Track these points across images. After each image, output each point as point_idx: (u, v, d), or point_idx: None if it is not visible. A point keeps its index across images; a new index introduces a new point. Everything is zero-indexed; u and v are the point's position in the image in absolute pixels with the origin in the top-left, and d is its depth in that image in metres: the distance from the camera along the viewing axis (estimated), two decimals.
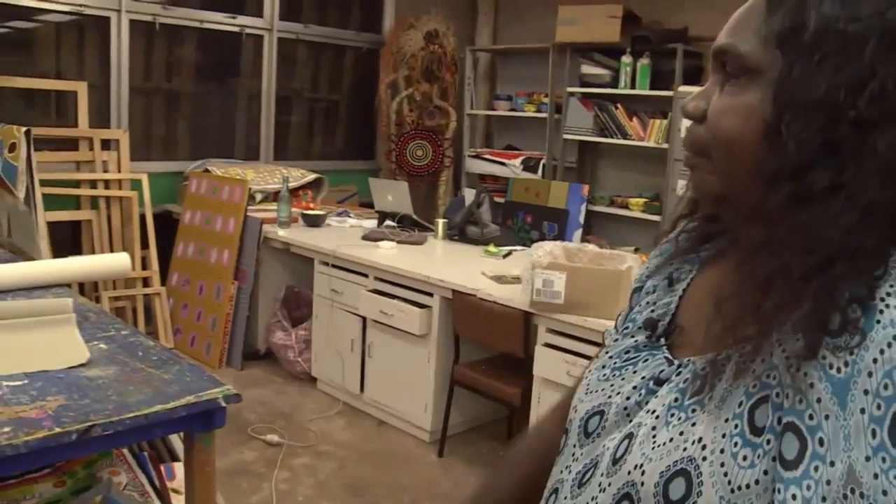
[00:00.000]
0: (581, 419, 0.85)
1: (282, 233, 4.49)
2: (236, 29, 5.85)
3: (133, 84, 5.36)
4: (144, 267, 4.95)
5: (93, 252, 4.93)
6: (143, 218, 4.99)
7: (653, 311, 0.88)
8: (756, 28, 0.72)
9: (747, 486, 0.65)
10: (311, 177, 5.27)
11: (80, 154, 4.94)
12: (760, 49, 0.71)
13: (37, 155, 3.72)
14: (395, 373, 3.90)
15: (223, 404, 1.95)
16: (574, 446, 0.85)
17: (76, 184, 4.90)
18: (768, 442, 0.66)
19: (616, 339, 0.92)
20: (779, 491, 0.63)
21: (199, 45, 5.83)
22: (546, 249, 3.27)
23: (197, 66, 5.89)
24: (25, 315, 2.46)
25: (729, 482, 0.66)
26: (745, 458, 0.66)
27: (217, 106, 6.10)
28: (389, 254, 4.08)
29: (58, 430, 1.68)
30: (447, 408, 3.71)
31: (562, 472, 0.86)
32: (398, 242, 4.26)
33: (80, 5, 5.08)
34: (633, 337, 0.88)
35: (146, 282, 4.95)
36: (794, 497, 0.62)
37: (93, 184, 4.96)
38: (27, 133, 3.59)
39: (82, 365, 2.08)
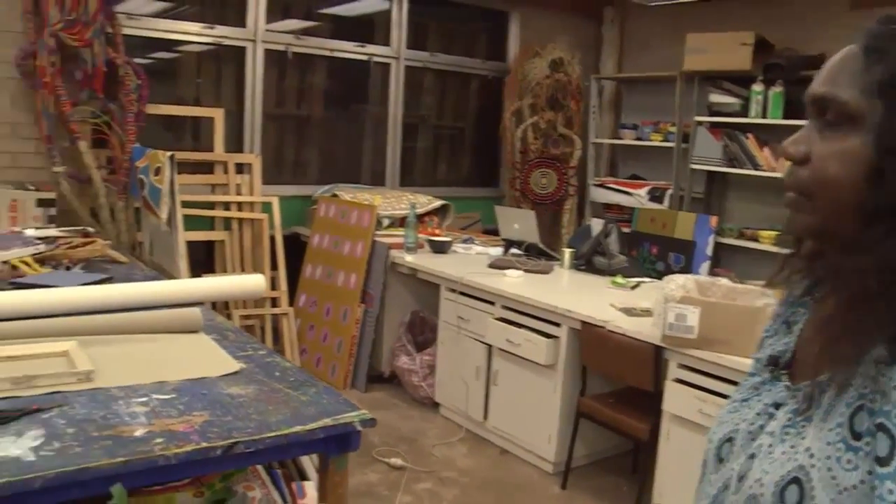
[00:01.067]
0: (715, 447, 0.95)
1: (409, 258, 4.53)
2: (364, 57, 5.98)
3: (265, 110, 5.55)
4: (273, 287, 5.08)
5: (225, 271, 5.10)
6: (272, 239, 5.13)
7: (774, 350, 0.97)
8: (854, 77, 0.79)
9: (853, 487, 0.73)
10: (438, 203, 5.31)
11: (215, 177, 5.13)
12: (860, 97, 0.78)
13: (178, 178, 3.87)
14: (519, 402, 3.87)
15: (359, 428, 1.97)
16: (710, 473, 0.95)
17: (211, 205, 5.08)
18: (867, 444, 0.73)
19: (746, 380, 1.00)
20: (878, 487, 0.71)
21: (329, 73, 5.99)
22: (678, 283, 3.18)
23: (326, 93, 6.05)
24: (159, 325, 2.56)
25: (836, 485, 0.74)
26: (848, 461, 0.74)
27: (345, 132, 6.24)
28: (516, 282, 4.06)
29: (204, 444, 1.73)
30: (572, 440, 3.65)
31: (701, 499, 0.96)
32: (525, 271, 4.24)
33: (220, 37, 5.29)
34: (758, 375, 0.97)
35: (274, 302, 5.07)
36: (890, 491, 0.69)
37: (226, 206, 5.13)
38: (171, 158, 3.74)
39: (224, 381, 2.14)
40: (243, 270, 5.11)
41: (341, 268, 4.78)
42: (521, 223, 4.69)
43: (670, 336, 3.08)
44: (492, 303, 3.98)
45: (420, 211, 5.26)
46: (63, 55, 4.37)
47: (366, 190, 5.53)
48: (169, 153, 3.77)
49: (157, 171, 3.88)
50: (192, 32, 5.21)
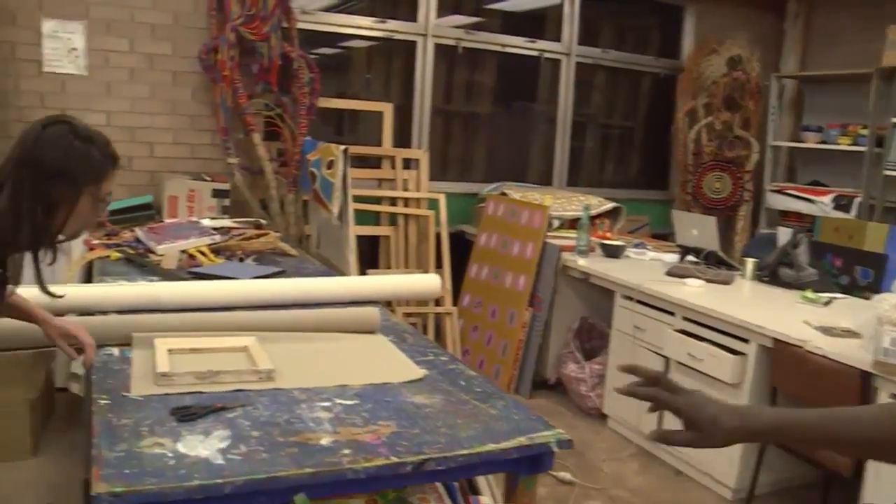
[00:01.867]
0: None
1: (582, 262, 4.33)
2: (535, 53, 5.81)
3: (433, 105, 5.46)
4: None
5: (389, 267, 5.05)
6: (438, 237, 5.04)
7: None
8: None
9: None
10: (609, 205, 5.08)
11: (382, 172, 5.08)
12: None
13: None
14: None
15: (554, 449, 1.81)
16: None
17: (377, 200, 5.04)
18: None
19: None
20: None
21: (498, 69, 5.85)
22: (892, 303, 2.86)
23: (495, 89, 5.91)
24: (337, 324, 2.47)
25: None
26: None
27: (512, 129, 6.09)
28: (697, 292, 3.80)
29: (394, 459, 1.60)
30: (757, 465, 3.37)
31: None
32: (706, 280, 3.96)
33: (392, 31, 5.24)
34: None
35: (438, 301, 4.97)
36: None
37: (392, 201, 5.08)
38: (345, 151, 3.68)
39: (408, 388, 2.02)
40: (408, 267, 5.05)
41: (509, 269, 4.63)
42: (699, 229, 4.41)
43: (884, 362, 2.76)
44: (671, 313, 3.73)
45: (591, 213, 5.05)
46: (241, 49, 4.41)
47: (534, 189, 5.37)
48: (343, 147, 3.71)
49: (330, 165, 3.83)
50: (364, 27, 5.18)
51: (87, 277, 3.46)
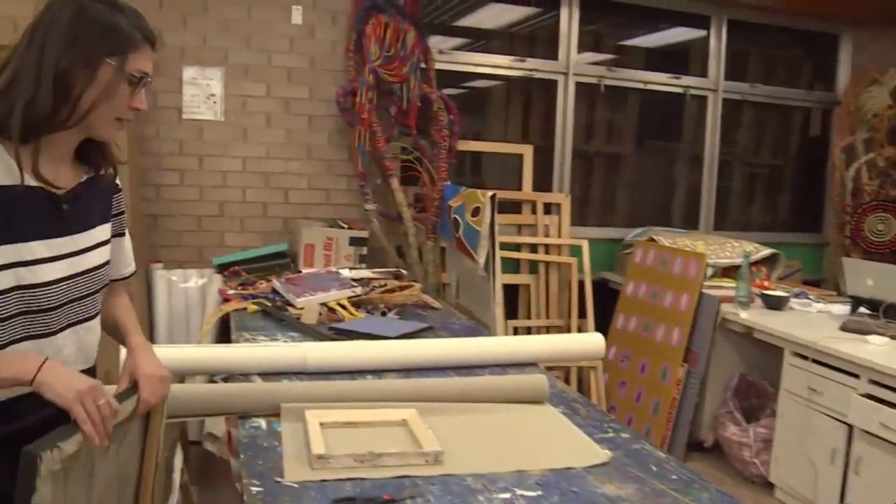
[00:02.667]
0: None
1: (744, 315, 3.97)
2: (680, 90, 5.50)
3: (574, 146, 5.22)
4: None
5: (529, 317, 4.79)
6: (580, 285, 4.76)
7: None
8: None
9: None
10: (767, 252, 4.70)
11: (522, 217, 4.85)
12: None
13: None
14: (892, 499, 3.19)
15: None
16: None
17: (517, 247, 4.81)
18: None
19: None
20: None
21: (641, 107, 5.56)
22: None
23: (637, 128, 5.62)
24: (503, 393, 2.22)
25: None
26: None
27: (655, 170, 5.77)
28: (884, 351, 3.39)
29: None
30: None
31: None
32: (890, 337, 3.54)
33: (531, 69, 5.04)
34: None
35: None
36: None
37: (533, 248, 4.84)
38: (493, 198, 3.46)
39: (594, 474, 1.76)
40: (549, 318, 4.78)
41: (661, 321, 4.31)
42: (876, 279, 3.99)
43: None
44: (855, 375, 3.33)
45: (739, 261, 4.68)
46: (378, 91, 4.27)
47: (682, 234, 5.03)
48: (490, 193, 3.49)
49: (476, 212, 3.61)
50: (503, 66, 4.99)
51: (224, 330, 3.33)
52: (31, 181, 1.44)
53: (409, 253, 4.37)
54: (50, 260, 1.48)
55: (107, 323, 1.73)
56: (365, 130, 4.21)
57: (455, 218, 3.89)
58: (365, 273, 3.74)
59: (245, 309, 3.23)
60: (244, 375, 2.30)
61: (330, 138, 4.47)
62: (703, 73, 5.58)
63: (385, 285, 3.53)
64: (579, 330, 4.71)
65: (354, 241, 4.04)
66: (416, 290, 3.40)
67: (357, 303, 3.29)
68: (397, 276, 3.79)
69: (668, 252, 4.43)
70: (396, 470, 1.68)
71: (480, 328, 3.25)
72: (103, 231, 1.65)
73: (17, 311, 1.44)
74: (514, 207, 4.86)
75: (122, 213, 1.75)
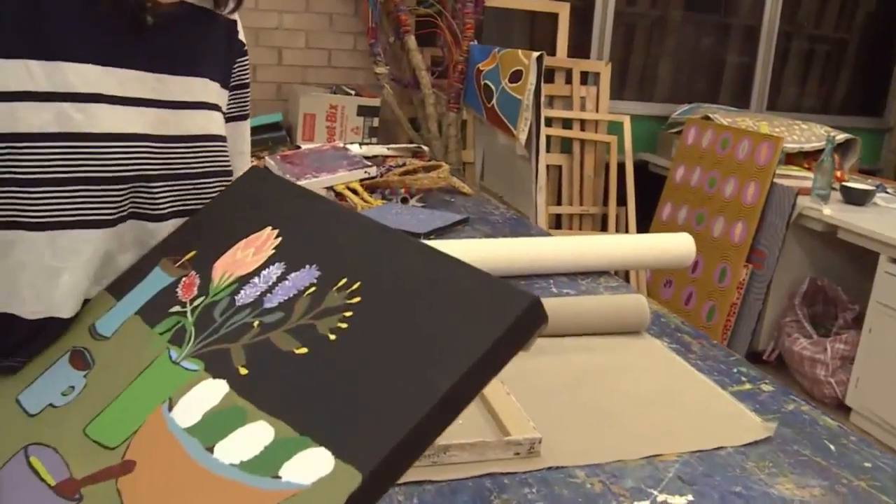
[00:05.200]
0: None
1: (827, 211, 3.34)
2: None
3: (616, 8, 4.47)
4: (618, 228, 4.09)
5: (559, 203, 4.16)
6: (620, 168, 4.12)
7: None
8: None
9: None
10: (842, 137, 4.04)
11: (554, 87, 4.16)
12: None
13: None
14: None
15: None
16: None
17: (547, 121, 4.13)
18: None
19: None
20: None
21: None
22: None
23: None
24: (598, 321, 1.60)
25: None
26: None
27: (704, 39, 5.03)
28: None
29: None
30: None
31: None
32: None
33: None
34: None
35: None
36: None
37: (566, 123, 4.16)
38: (539, 59, 2.78)
39: (753, 458, 1.18)
40: (582, 204, 4.15)
41: (720, 213, 3.68)
42: None
43: None
44: None
45: (808, 147, 4.04)
46: None
47: (737, 113, 4.35)
48: (536, 53, 2.80)
49: (515, 77, 2.93)
50: None
51: None
52: None
53: (426, 126, 3.69)
54: (117, 101, 0.92)
55: None
56: None
57: (487, 84, 3.20)
58: (379, 150, 3.07)
59: None
60: None
61: None
62: None
63: (405, 165, 2.87)
64: (618, 219, 4.10)
65: (363, 111, 3.36)
66: (444, 172, 2.73)
67: (371, 187, 2.64)
68: (416, 154, 3.12)
69: (731, 133, 3.76)
70: (476, 468, 1.06)
71: (522, 219, 2.62)
72: (216, 92, 1.09)
73: (70, 173, 0.88)
74: (545, 76, 4.15)
75: (246, 85, 1.20)
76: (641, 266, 2.51)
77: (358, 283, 0.87)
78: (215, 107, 1.09)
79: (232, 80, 1.15)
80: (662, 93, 4.84)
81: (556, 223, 4.12)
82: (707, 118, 4.07)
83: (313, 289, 0.88)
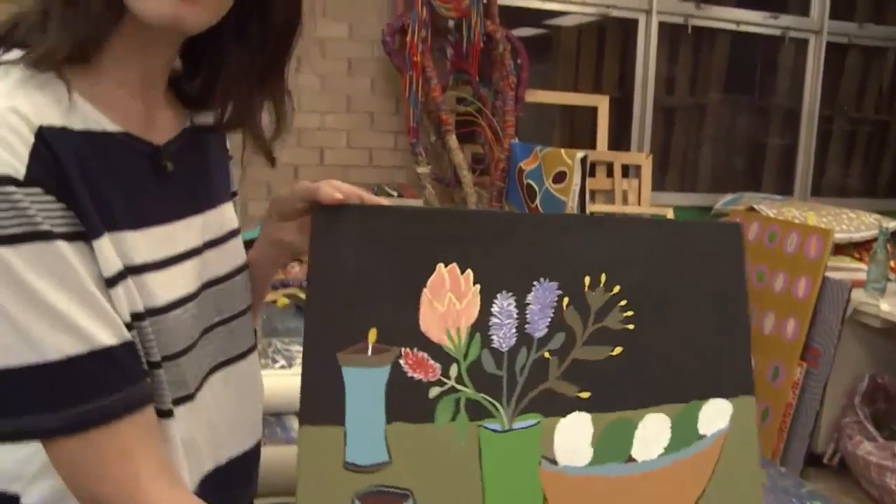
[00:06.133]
0: None
1: (885, 306, 3.24)
2: (777, 32, 4.70)
3: (655, 97, 4.46)
4: None
5: None
6: None
7: None
8: None
9: None
10: (894, 225, 3.95)
11: (596, 181, 4.11)
12: None
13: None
14: None
15: None
16: None
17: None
18: None
19: None
20: None
21: (730, 52, 4.77)
22: None
23: (726, 76, 4.83)
24: None
25: None
26: None
27: (745, 126, 4.99)
28: None
29: None
30: None
31: None
32: None
33: (608, 6, 4.26)
34: None
35: None
36: None
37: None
38: (583, 161, 2.76)
39: None
40: None
41: (770, 308, 3.58)
42: None
43: None
44: None
45: (858, 237, 3.95)
46: (433, 29, 3.53)
47: (782, 202, 4.27)
48: (580, 154, 2.78)
49: (560, 178, 2.91)
50: (575, 2, 4.22)
51: None
52: (109, 125, 0.80)
53: None
54: (163, 264, 0.84)
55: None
56: (417, 76, 3.47)
57: (530, 184, 3.18)
58: None
59: (275, 302, 2.56)
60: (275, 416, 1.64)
61: (374, 86, 3.76)
62: (803, 12, 4.78)
63: None
64: None
65: None
66: None
67: None
68: None
69: (779, 225, 3.68)
70: None
71: None
72: (230, 213, 1.01)
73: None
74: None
75: (236, 193, 1.08)
76: None
77: (603, 275, 0.91)
78: (238, 231, 1.02)
79: (231, 186, 1.06)
80: (705, 180, 4.80)
81: None
82: (752, 209, 4.00)
83: (566, 299, 0.90)
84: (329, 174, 3.60)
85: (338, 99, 3.74)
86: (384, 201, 0.94)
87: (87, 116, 0.77)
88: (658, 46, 4.41)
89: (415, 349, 0.85)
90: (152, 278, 0.81)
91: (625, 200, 4.09)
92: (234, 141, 1.02)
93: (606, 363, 0.89)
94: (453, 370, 0.85)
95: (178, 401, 0.84)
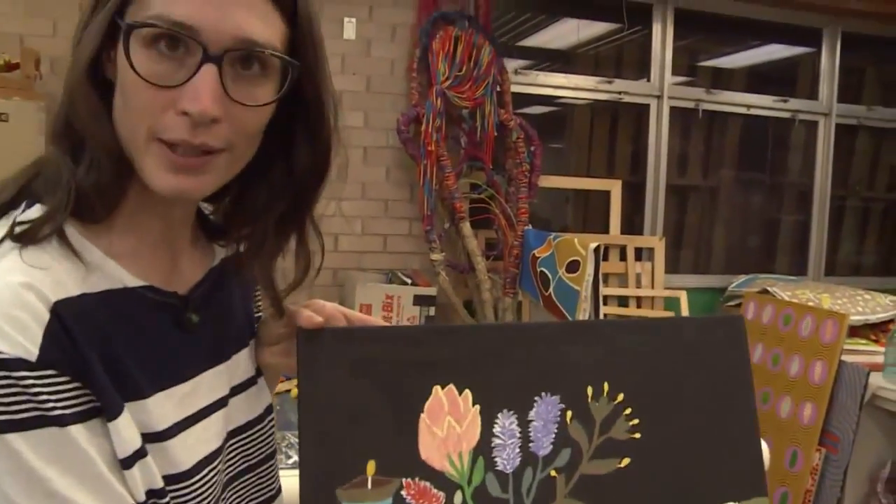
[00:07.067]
0: None
1: None
2: (787, 115, 4.76)
3: (667, 180, 4.51)
4: None
5: None
6: None
7: None
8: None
9: None
10: None
11: (609, 265, 4.13)
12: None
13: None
14: None
15: None
16: None
17: (603, 300, 4.09)
18: None
19: None
20: None
21: (741, 135, 4.82)
22: None
23: (737, 159, 4.88)
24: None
25: None
26: None
27: (757, 206, 5.02)
28: None
29: None
30: None
31: None
32: None
33: (620, 92, 4.33)
34: None
35: None
36: None
37: (621, 300, 4.11)
38: (597, 251, 2.78)
39: None
40: None
41: (786, 392, 3.56)
42: None
43: None
44: None
45: (874, 318, 3.94)
46: (447, 119, 3.60)
47: (796, 283, 4.27)
48: (594, 245, 2.81)
49: (573, 267, 2.93)
50: (587, 87, 4.30)
51: None
52: (130, 280, 0.78)
53: (481, 310, 3.67)
54: (187, 423, 0.81)
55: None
56: (432, 165, 3.52)
57: (543, 272, 3.20)
58: None
59: (288, 392, 2.56)
60: None
61: (388, 174, 3.82)
62: (811, 96, 4.84)
63: None
64: None
65: (419, 300, 3.36)
66: None
67: None
68: None
69: (794, 309, 3.68)
70: None
71: None
72: (253, 353, 0.98)
73: None
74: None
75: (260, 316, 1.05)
76: None
77: (606, 384, 0.89)
78: (260, 373, 0.98)
79: (256, 312, 1.04)
80: (718, 261, 4.80)
81: None
82: (766, 291, 4.00)
83: (570, 413, 0.87)
84: (344, 260, 3.66)
85: (353, 186, 3.80)
86: (371, 319, 0.92)
87: (109, 274, 0.75)
88: (670, 129, 4.46)
89: (416, 478, 0.82)
90: (175, 443, 0.78)
91: (638, 283, 4.10)
92: None
93: (616, 476, 0.87)
94: (458, 497, 0.83)
95: None
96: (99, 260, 0.75)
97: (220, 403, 0.87)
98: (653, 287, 4.14)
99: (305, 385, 0.82)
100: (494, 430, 0.85)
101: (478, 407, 0.85)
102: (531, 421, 0.86)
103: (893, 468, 3.42)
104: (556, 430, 0.86)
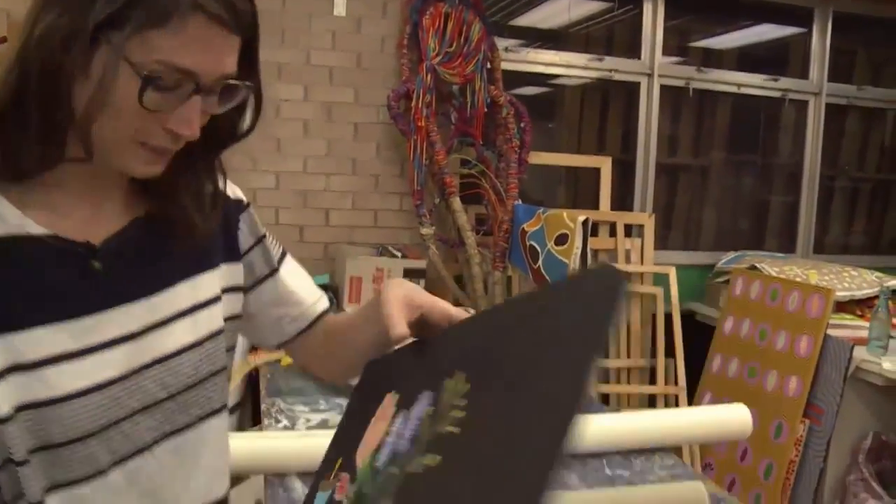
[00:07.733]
0: None
1: (887, 364, 3.26)
2: (777, 94, 4.79)
3: (657, 158, 4.54)
4: (667, 381, 4.01)
5: (607, 356, 4.11)
6: (667, 319, 4.07)
7: None
8: None
9: None
10: (895, 283, 3.98)
11: (599, 241, 4.17)
12: None
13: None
14: None
15: None
16: None
17: None
18: None
19: None
20: None
21: (731, 114, 4.85)
22: None
23: (727, 138, 4.91)
24: None
25: None
26: None
27: (747, 186, 5.06)
28: None
29: None
30: None
31: None
32: None
33: (610, 70, 4.36)
34: None
35: (670, 400, 4.00)
36: None
37: None
38: (585, 224, 2.81)
39: None
40: (629, 357, 4.09)
41: (773, 366, 3.61)
42: None
43: None
44: None
45: (860, 294, 3.98)
46: (437, 95, 3.62)
47: (784, 260, 4.31)
48: (582, 217, 2.84)
49: (561, 240, 2.96)
50: (578, 65, 4.33)
51: (253, 391, 2.70)
52: (34, 228, 0.87)
53: (471, 285, 3.71)
54: (73, 355, 0.87)
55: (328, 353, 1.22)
56: (422, 140, 3.54)
57: (532, 245, 3.23)
58: None
59: (279, 361, 2.60)
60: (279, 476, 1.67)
61: (379, 150, 3.85)
62: (802, 75, 4.87)
63: None
64: (666, 372, 4.03)
65: (409, 273, 3.40)
66: None
67: None
68: None
69: (780, 284, 3.72)
70: None
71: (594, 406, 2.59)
72: (200, 286, 1.02)
73: (32, 445, 0.85)
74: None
75: (261, 237, 1.15)
76: (697, 442, 2.45)
77: (463, 375, 0.83)
78: (211, 301, 1.02)
79: (241, 244, 1.11)
80: (707, 239, 4.85)
81: (604, 376, 4.07)
82: (754, 267, 4.04)
83: (432, 408, 0.84)
84: (335, 234, 3.69)
85: (343, 162, 3.82)
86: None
87: (8, 222, 0.84)
88: (660, 108, 4.49)
89: (346, 474, 0.93)
90: (55, 371, 0.85)
91: (627, 259, 4.14)
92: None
93: (427, 475, 0.77)
94: (352, 490, 0.90)
95: (86, 479, 0.88)
96: (3, 209, 0.84)
97: (128, 337, 0.92)
98: (642, 263, 4.18)
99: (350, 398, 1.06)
100: (391, 430, 0.89)
101: (395, 410, 0.92)
102: (408, 420, 0.87)
103: (875, 439, 3.47)
104: (416, 428, 0.84)
